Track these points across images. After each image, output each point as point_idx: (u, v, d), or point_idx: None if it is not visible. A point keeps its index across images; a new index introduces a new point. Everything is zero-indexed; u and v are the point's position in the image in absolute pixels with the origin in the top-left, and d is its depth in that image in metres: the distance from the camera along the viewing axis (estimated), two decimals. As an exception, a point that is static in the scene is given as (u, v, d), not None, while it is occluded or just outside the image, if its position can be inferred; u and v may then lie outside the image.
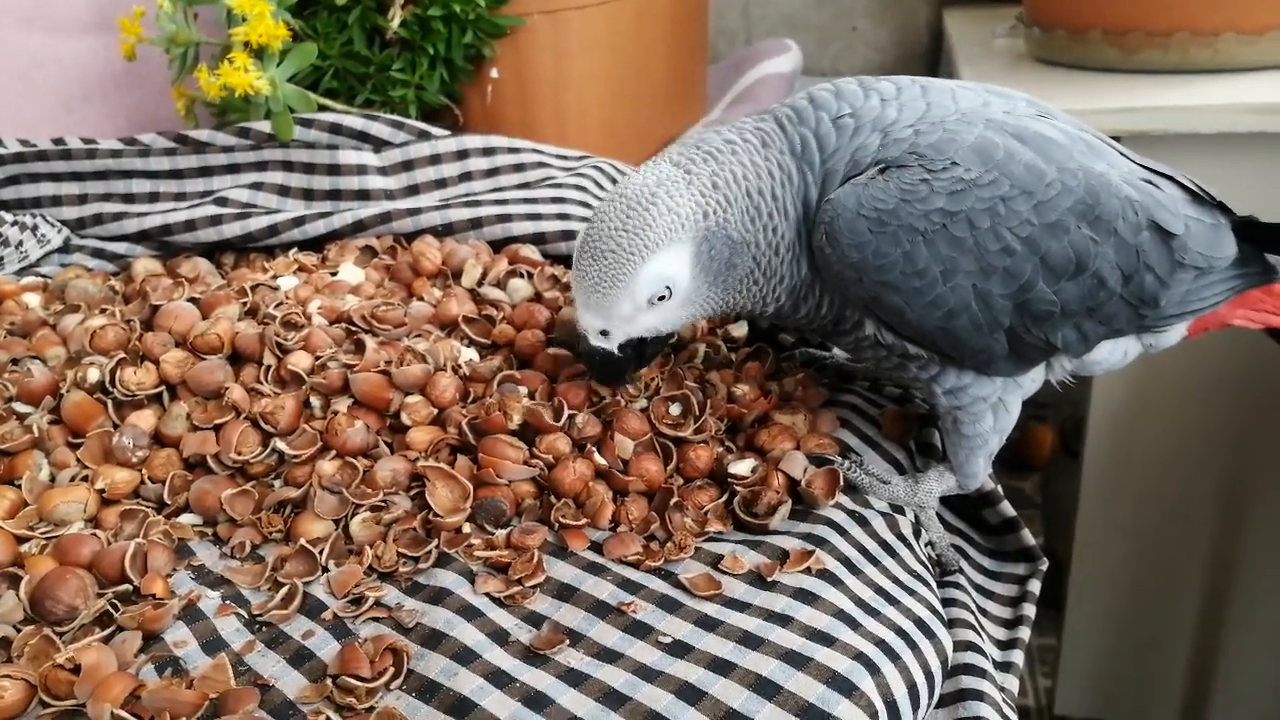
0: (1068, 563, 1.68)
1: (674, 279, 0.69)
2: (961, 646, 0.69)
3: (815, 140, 0.71)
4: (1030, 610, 0.81)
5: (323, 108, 1.16)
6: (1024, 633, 0.78)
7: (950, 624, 0.70)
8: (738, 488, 0.73)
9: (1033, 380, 0.78)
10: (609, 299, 0.70)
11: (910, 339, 0.72)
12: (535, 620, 0.64)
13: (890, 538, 0.72)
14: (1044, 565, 0.85)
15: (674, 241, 0.68)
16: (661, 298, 0.70)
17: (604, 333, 0.73)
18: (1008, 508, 0.86)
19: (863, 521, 0.72)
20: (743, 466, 0.74)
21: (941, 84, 0.75)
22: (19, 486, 0.73)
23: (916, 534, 0.76)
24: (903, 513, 0.76)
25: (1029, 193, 0.68)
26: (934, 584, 0.72)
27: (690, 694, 0.56)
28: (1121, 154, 0.76)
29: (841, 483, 0.74)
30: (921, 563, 0.72)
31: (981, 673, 0.67)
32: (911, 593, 0.68)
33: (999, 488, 0.86)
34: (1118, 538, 1.64)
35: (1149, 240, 0.71)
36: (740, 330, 0.90)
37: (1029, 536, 0.86)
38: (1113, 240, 0.70)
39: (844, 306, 0.74)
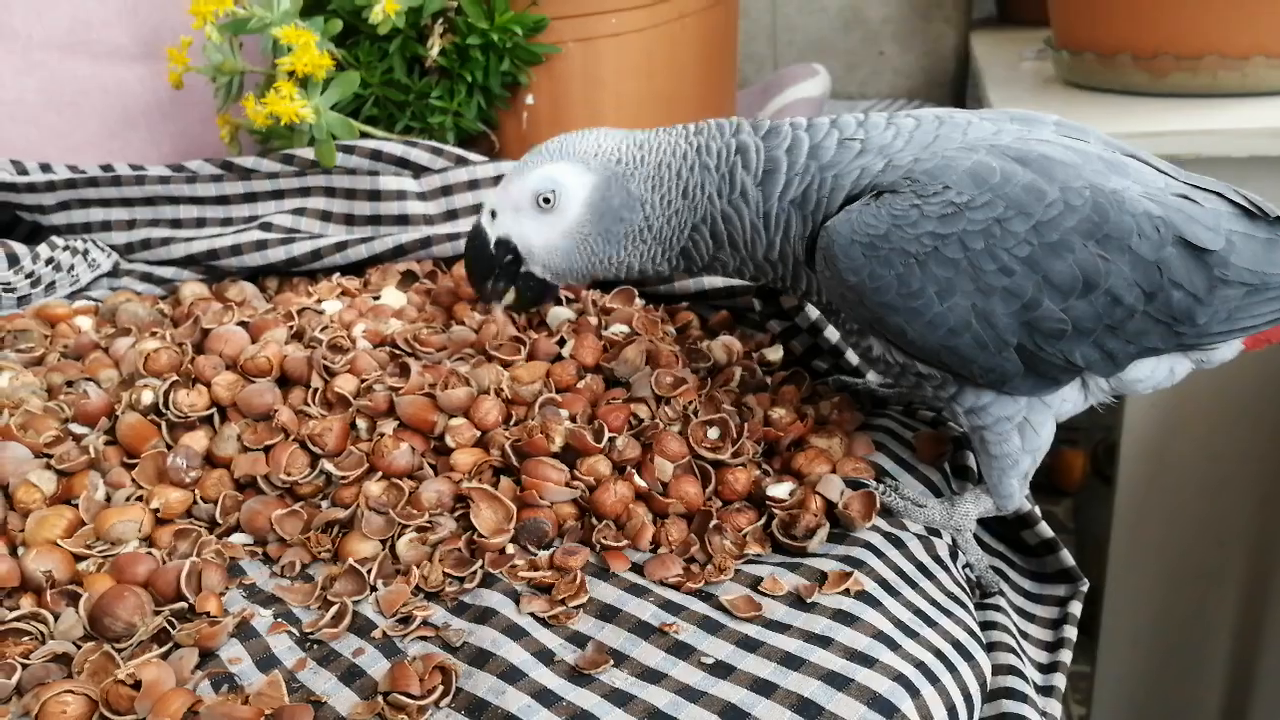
0: (1101, 588, 1.67)
1: (563, 189, 0.76)
2: (1002, 670, 0.69)
3: (792, 156, 0.74)
4: (1072, 633, 0.81)
5: (364, 135, 1.19)
6: (1065, 656, 0.78)
7: (991, 647, 0.71)
8: (776, 510, 0.74)
9: (1063, 400, 0.77)
10: (510, 180, 0.79)
11: (918, 358, 0.73)
12: (579, 640, 0.65)
13: (927, 560, 0.73)
14: (1084, 586, 0.85)
15: (582, 163, 0.77)
16: (546, 200, 0.77)
17: (494, 214, 0.80)
18: (1046, 529, 0.86)
19: (899, 544, 0.73)
20: (781, 489, 0.75)
21: (962, 115, 0.76)
22: (76, 506, 0.75)
23: (954, 556, 0.77)
24: (939, 535, 0.76)
25: (1026, 213, 0.69)
26: (971, 606, 0.72)
27: (734, 715, 0.57)
28: (1160, 170, 0.75)
29: (878, 506, 0.75)
30: (959, 585, 0.73)
31: (1023, 697, 0.68)
32: (949, 615, 0.68)
33: (1036, 509, 0.86)
34: (1151, 562, 1.63)
35: (1175, 256, 0.71)
36: (776, 354, 0.91)
37: (1068, 557, 0.86)
38: (1127, 257, 0.70)
39: (845, 319, 0.78)
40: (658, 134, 0.78)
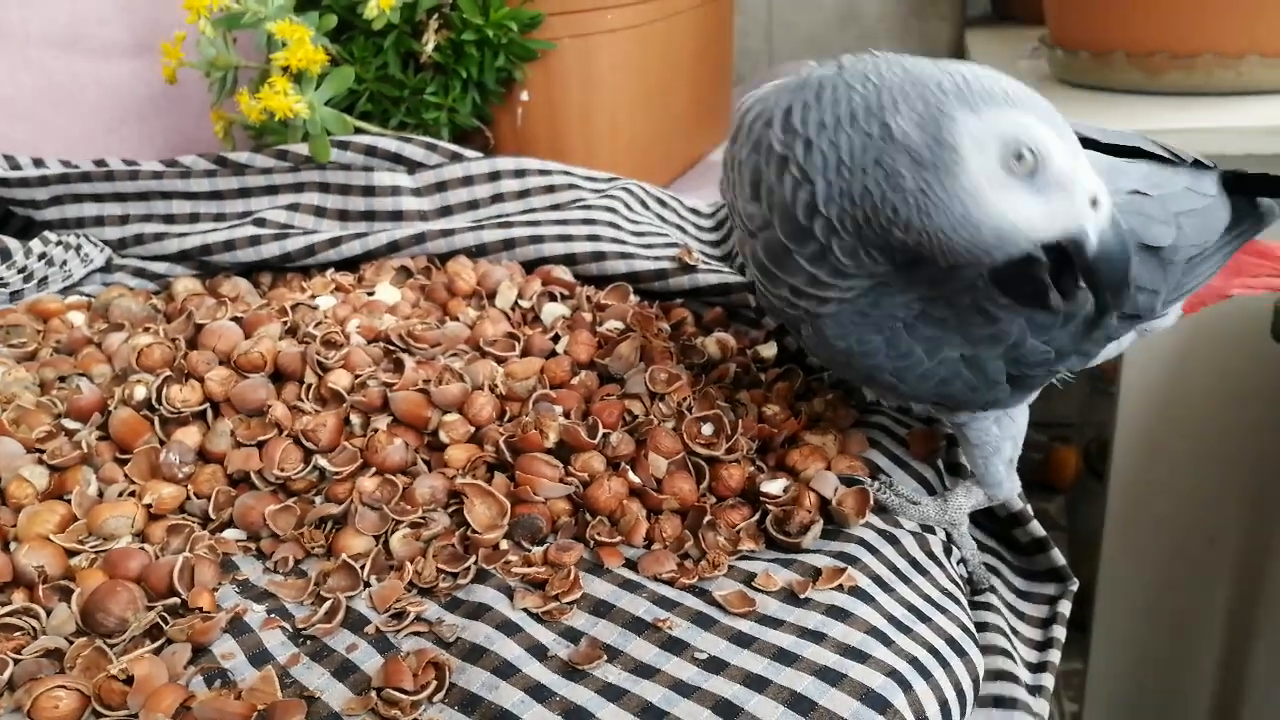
0: (1093, 586, 1.68)
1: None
2: (992, 675, 0.70)
3: None
4: (1060, 632, 0.81)
5: (358, 130, 1.18)
6: (1054, 655, 0.78)
7: (984, 650, 0.71)
8: (770, 507, 0.74)
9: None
10: (1083, 157, 0.61)
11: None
12: (573, 636, 0.65)
13: (921, 556, 0.73)
14: (1074, 585, 0.85)
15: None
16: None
17: (1094, 201, 0.60)
18: (1037, 527, 0.87)
19: (894, 540, 0.73)
20: (775, 486, 0.75)
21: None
22: (69, 501, 0.75)
23: (948, 552, 0.77)
24: (933, 531, 0.77)
25: None
26: (965, 602, 0.72)
27: (727, 709, 0.57)
28: (1094, 142, 0.72)
29: (872, 502, 0.75)
30: (953, 581, 0.73)
31: (1013, 703, 0.68)
32: (943, 611, 0.68)
33: (1028, 507, 0.87)
34: (1143, 560, 1.63)
35: (1139, 264, 0.70)
36: (770, 351, 0.91)
37: (1059, 556, 0.86)
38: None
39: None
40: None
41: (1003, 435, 0.76)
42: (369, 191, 1.13)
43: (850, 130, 0.61)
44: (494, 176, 1.15)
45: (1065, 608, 0.83)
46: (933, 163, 0.59)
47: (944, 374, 0.69)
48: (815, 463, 0.78)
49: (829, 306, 0.69)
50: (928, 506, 0.77)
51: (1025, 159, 0.58)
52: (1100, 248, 0.60)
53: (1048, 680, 0.76)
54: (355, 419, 0.81)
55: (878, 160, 0.60)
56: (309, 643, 0.66)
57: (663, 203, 1.21)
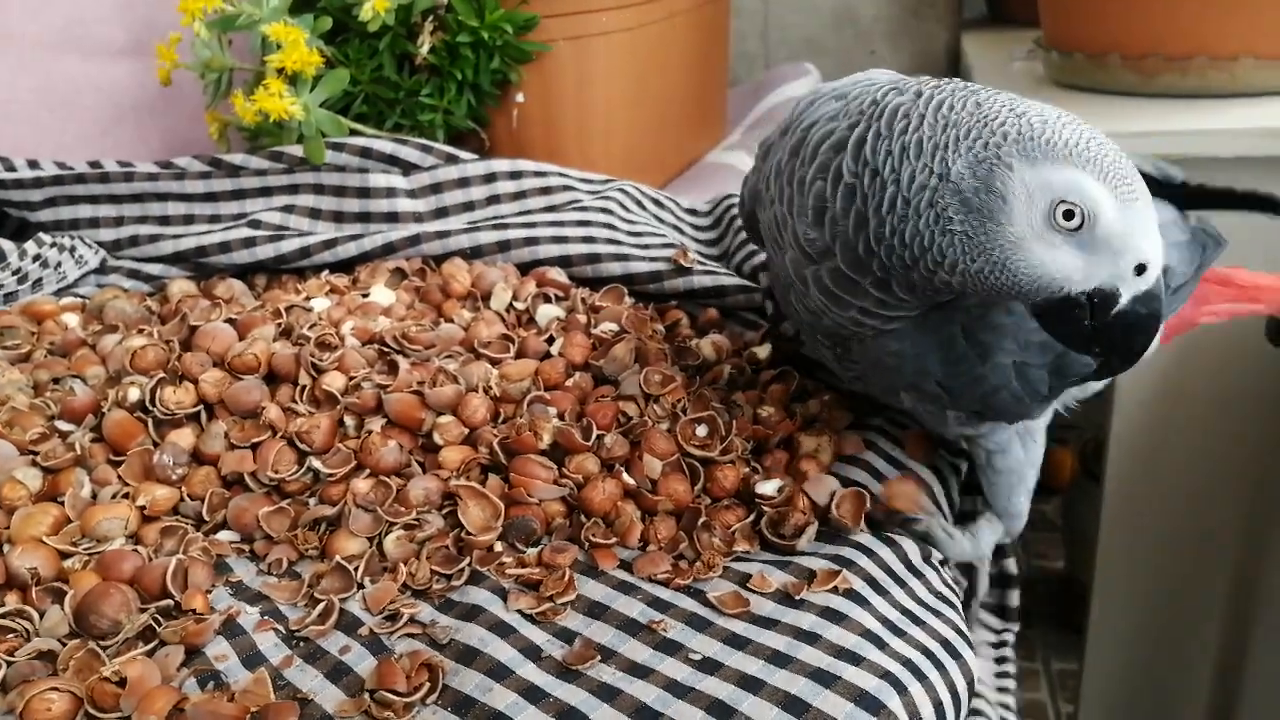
0: (1089, 586, 1.68)
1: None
2: None
3: None
4: (1012, 669, 0.82)
5: (353, 132, 1.18)
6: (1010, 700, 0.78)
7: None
8: (765, 508, 0.74)
9: (1051, 414, 0.79)
10: (1153, 218, 0.60)
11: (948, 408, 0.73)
12: (567, 636, 0.65)
13: (917, 561, 0.73)
14: (1015, 628, 0.86)
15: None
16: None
17: (1140, 268, 0.60)
18: (1013, 565, 0.87)
19: (890, 543, 0.73)
20: (769, 487, 0.75)
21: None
22: (62, 503, 0.75)
23: (943, 561, 0.77)
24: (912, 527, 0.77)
25: None
26: (960, 607, 0.72)
27: (721, 711, 0.57)
28: None
29: (867, 507, 0.75)
30: (948, 585, 0.73)
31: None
32: (938, 615, 0.68)
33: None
34: (1139, 561, 1.63)
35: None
36: (765, 352, 0.91)
37: (1016, 598, 0.86)
38: None
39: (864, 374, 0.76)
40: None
41: (1027, 462, 0.77)
42: (364, 193, 1.13)
43: (915, 163, 0.61)
44: (489, 178, 1.14)
45: (1009, 652, 0.84)
46: (979, 207, 0.59)
47: (994, 382, 0.69)
48: (809, 465, 0.78)
49: (894, 323, 0.69)
50: (962, 541, 0.78)
51: (1075, 216, 0.58)
52: (1129, 309, 0.60)
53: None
54: (349, 421, 0.81)
55: (931, 201, 0.61)
56: (302, 645, 0.66)
57: (659, 204, 1.21)
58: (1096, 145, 0.59)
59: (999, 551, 0.87)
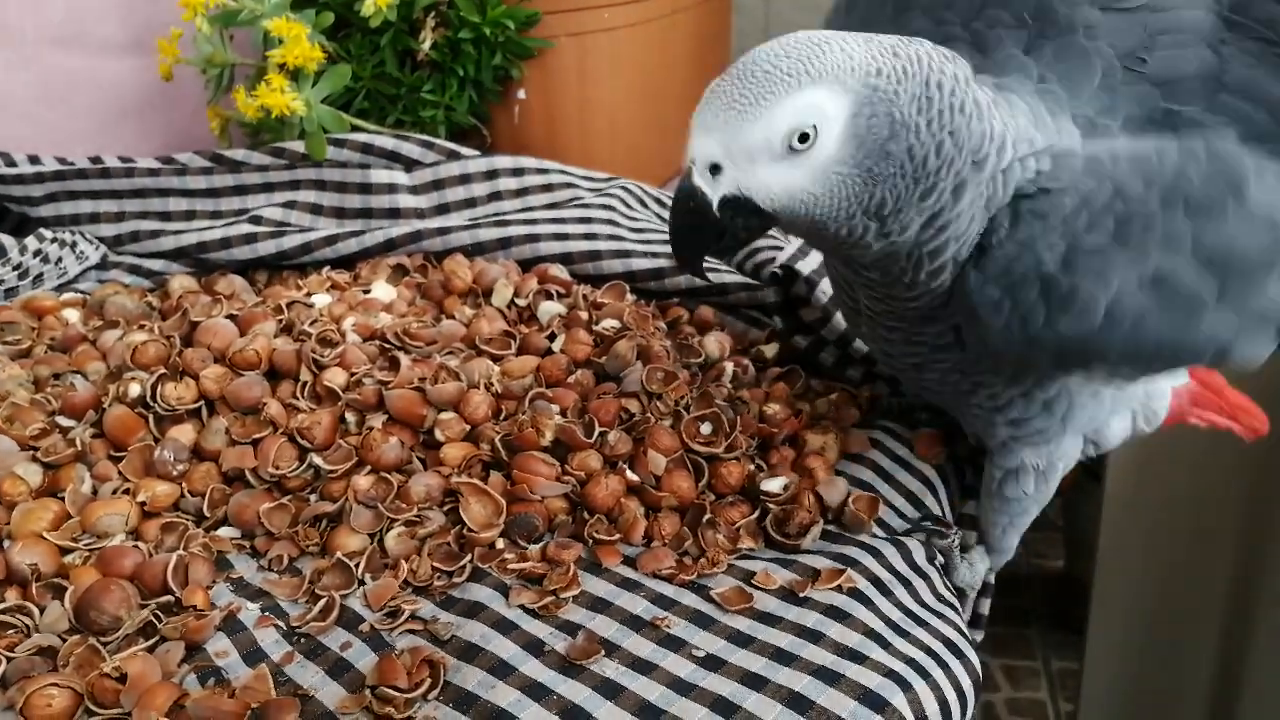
0: (1089, 585, 1.68)
1: (825, 120, 0.59)
2: None
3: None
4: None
5: (355, 128, 1.18)
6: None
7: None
8: (770, 505, 0.74)
9: (1070, 456, 0.78)
10: (744, 117, 0.59)
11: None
12: (569, 630, 0.64)
13: (921, 561, 0.73)
14: (979, 636, 0.85)
15: (839, 83, 0.59)
16: (805, 138, 0.59)
17: (715, 168, 0.61)
18: (989, 576, 0.86)
19: (895, 544, 0.73)
20: (774, 484, 0.75)
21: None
22: (63, 499, 0.74)
23: (947, 562, 0.77)
24: (932, 539, 0.76)
25: (1149, 180, 0.61)
26: (961, 609, 0.72)
27: (724, 708, 0.57)
28: None
29: (879, 510, 0.75)
30: (949, 588, 0.73)
31: None
32: (940, 616, 0.68)
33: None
34: (1140, 560, 1.63)
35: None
36: (772, 351, 0.91)
37: (985, 606, 0.85)
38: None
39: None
40: (911, 43, 0.62)
41: (1033, 499, 0.77)
42: (365, 189, 1.13)
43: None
44: (491, 175, 1.14)
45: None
46: None
47: (1128, 306, 0.60)
48: (815, 463, 0.78)
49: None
50: (964, 571, 0.78)
51: None
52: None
53: None
54: (350, 417, 0.81)
55: None
56: (303, 641, 0.65)
57: (661, 202, 1.20)
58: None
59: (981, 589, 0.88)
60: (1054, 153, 0.64)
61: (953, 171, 0.61)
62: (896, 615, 0.66)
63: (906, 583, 0.70)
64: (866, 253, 0.66)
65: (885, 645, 0.62)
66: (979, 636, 0.85)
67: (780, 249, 0.99)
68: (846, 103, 0.59)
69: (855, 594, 0.67)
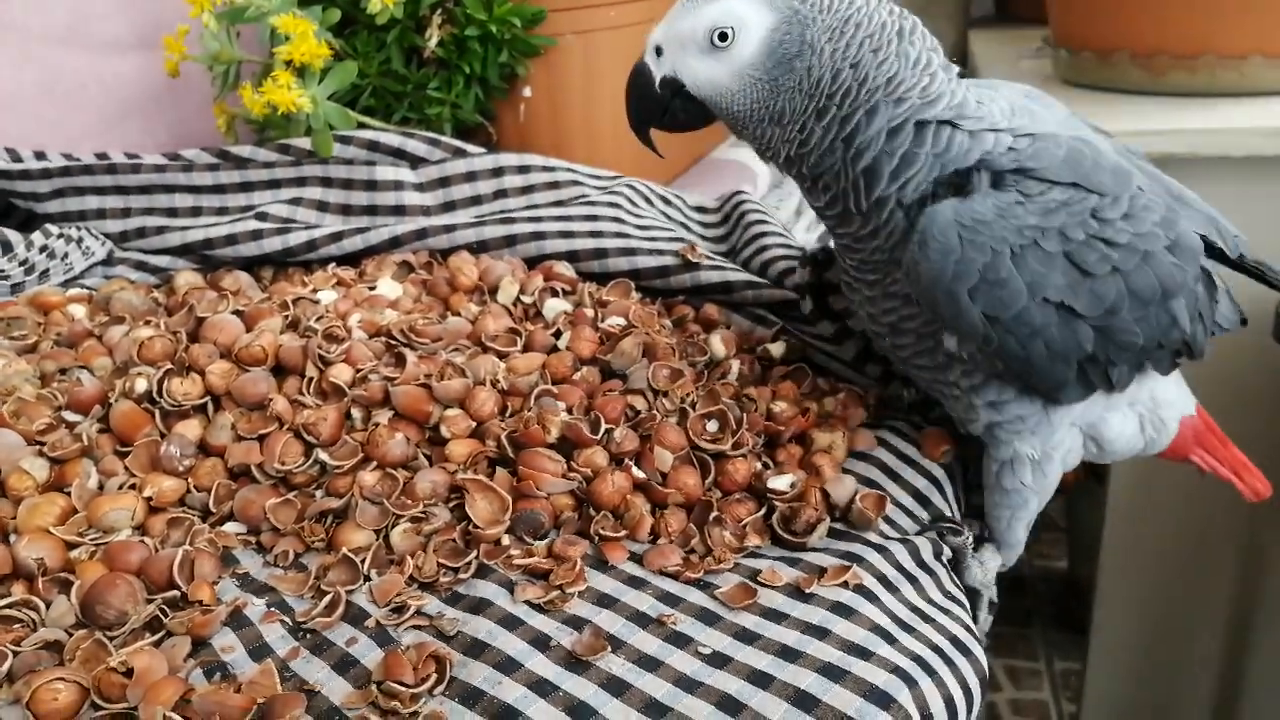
0: (1092, 586, 1.68)
1: (742, 25, 0.70)
2: None
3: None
4: None
5: (361, 125, 1.18)
6: None
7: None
8: (777, 503, 0.74)
9: (1071, 450, 0.79)
10: (683, 12, 0.72)
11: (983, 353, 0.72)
12: (576, 624, 0.64)
13: (928, 558, 0.73)
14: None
15: (765, 1, 0.70)
16: (724, 37, 0.70)
17: (659, 51, 0.74)
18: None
19: (902, 540, 0.73)
20: (781, 481, 0.75)
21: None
22: (69, 494, 0.74)
23: (955, 560, 0.77)
24: (940, 537, 0.76)
25: (1117, 201, 0.69)
26: (969, 605, 0.72)
27: (731, 706, 0.57)
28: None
29: (887, 508, 0.75)
30: (957, 585, 0.73)
31: None
32: (947, 613, 0.68)
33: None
34: (1143, 561, 1.63)
35: (1203, 292, 0.73)
36: (778, 349, 0.91)
37: (986, 620, 0.86)
38: (1191, 272, 0.71)
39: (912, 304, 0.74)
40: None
41: (1032, 489, 0.77)
42: (371, 186, 1.13)
43: None
44: (497, 172, 1.14)
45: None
46: None
47: (1039, 322, 0.68)
48: (822, 460, 0.78)
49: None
50: (976, 570, 0.79)
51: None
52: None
53: None
54: (356, 413, 0.81)
55: None
56: (309, 636, 0.65)
57: (667, 200, 1.20)
58: None
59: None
60: (1037, 134, 0.70)
61: (851, 101, 0.70)
62: (903, 612, 0.66)
63: (913, 580, 0.70)
64: (785, 162, 0.75)
65: (892, 641, 0.62)
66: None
67: (793, 254, 0.99)
68: (770, 18, 0.70)
69: (861, 590, 0.67)
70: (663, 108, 0.76)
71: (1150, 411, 0.81)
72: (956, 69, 0.74)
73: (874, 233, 0.74)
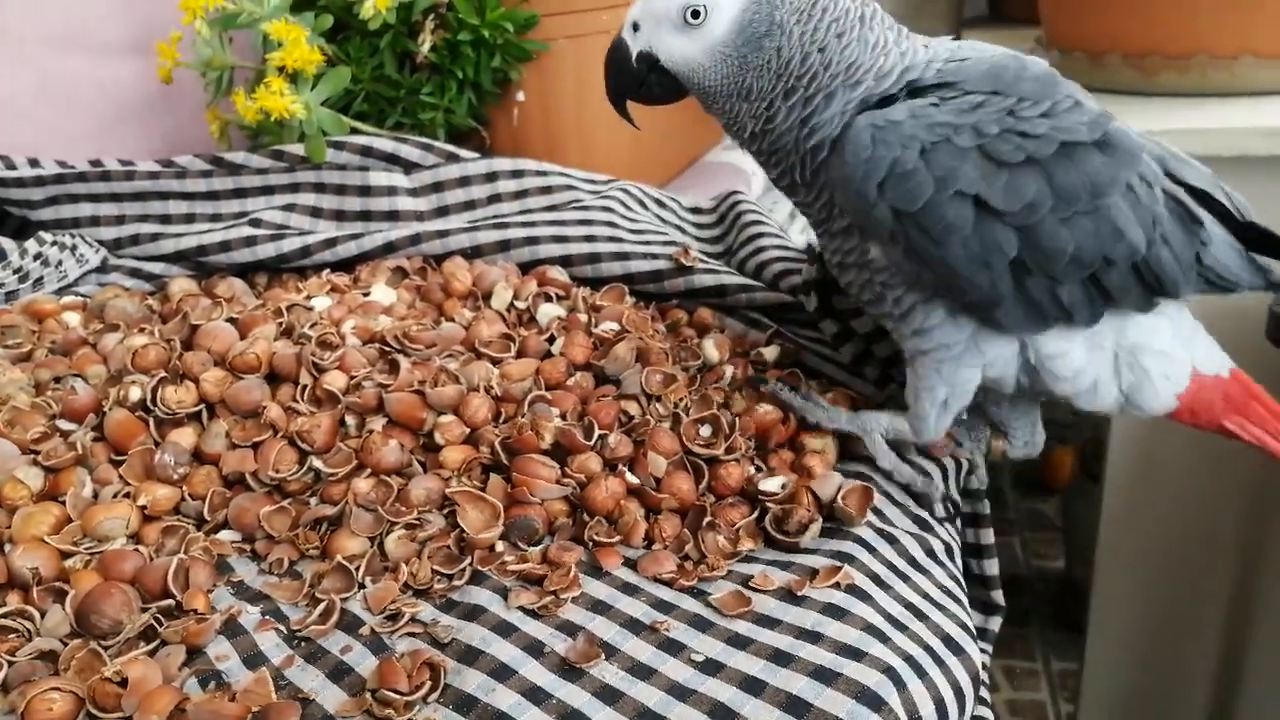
0: (1089, 586, 1.68)
1: (714, 4, 0.73)
2: None
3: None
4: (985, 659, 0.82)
5: (354, 130, 1.18)
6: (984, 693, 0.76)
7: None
8: (769, 505, 0.74)
9: (1000, 358, 0.77)
10: None
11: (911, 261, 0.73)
12: (569, 630, 0.65)
13: (920, 555, 0.73)
14: (994, 625, 0.86)
15: None
16: (696, 14, 0.74)
17: (636, 26, 0.78)
18: (993, 566, 0.87)
19: (892, 540, 0.73)
20: (773, 483, 0.75)
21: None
22: (63, 503, 0.75)
23: (949, 554, 0.77)
24: (933, 532, 0.77)
25: (1039, 101, 0.70)
26: (965, 602, 0.72)
27: (723, 714, 0.57)
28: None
29: (874, 500, 0.75)
30: (954, 579, 0.73)
31: None
32: (941, 609, 0.68)
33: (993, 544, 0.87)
34: (1139, 560, 1.63)
35: (1169, 216, 0.72)
36: (772, 353, 0.91)
37: (999, 595, 0.86)
38: (1132, 181, 0.70)
39: (844, 219, 0.76)
40: None
41: (942, 379, 0.77)
42: (365, 192, 1.13)
43: None
44: (491, 177, 1.14)
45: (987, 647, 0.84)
46: None
47: (951, 218, 0.69)
48: (813, 462, 0.78)
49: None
50: (838, 413, 0.80)
51: None
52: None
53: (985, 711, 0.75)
54: (350, 420, 0.81)
55: None
56: (303, 644, 0.66)
57: (661, 203, 1.21)
58: None
59: (979, 551, 0.87)
60: (960, 58, 0.74)
61: (816, 83, 0.73)
62: (896, 609, 0.66)
63: (905, 577, 0.70)
64: (750, 138, 0.78)
65: (884, 640, 0.62)
66: (996, 625, 0.85)
67: (790, 255, 1.00)
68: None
69: (854, 590, 0.67)
70: (639, 81, 0.80)
71: (1128, 353, 0.77)
72: (907, 31, 0.77)
73: (817, 195, 0.77)
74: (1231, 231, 0.76)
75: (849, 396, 0.86)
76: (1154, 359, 0.78)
